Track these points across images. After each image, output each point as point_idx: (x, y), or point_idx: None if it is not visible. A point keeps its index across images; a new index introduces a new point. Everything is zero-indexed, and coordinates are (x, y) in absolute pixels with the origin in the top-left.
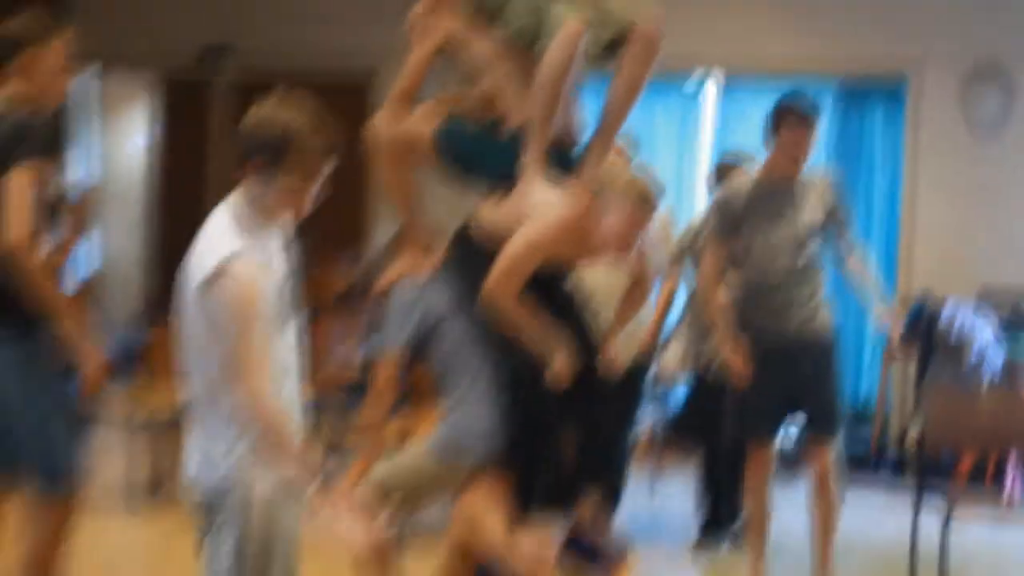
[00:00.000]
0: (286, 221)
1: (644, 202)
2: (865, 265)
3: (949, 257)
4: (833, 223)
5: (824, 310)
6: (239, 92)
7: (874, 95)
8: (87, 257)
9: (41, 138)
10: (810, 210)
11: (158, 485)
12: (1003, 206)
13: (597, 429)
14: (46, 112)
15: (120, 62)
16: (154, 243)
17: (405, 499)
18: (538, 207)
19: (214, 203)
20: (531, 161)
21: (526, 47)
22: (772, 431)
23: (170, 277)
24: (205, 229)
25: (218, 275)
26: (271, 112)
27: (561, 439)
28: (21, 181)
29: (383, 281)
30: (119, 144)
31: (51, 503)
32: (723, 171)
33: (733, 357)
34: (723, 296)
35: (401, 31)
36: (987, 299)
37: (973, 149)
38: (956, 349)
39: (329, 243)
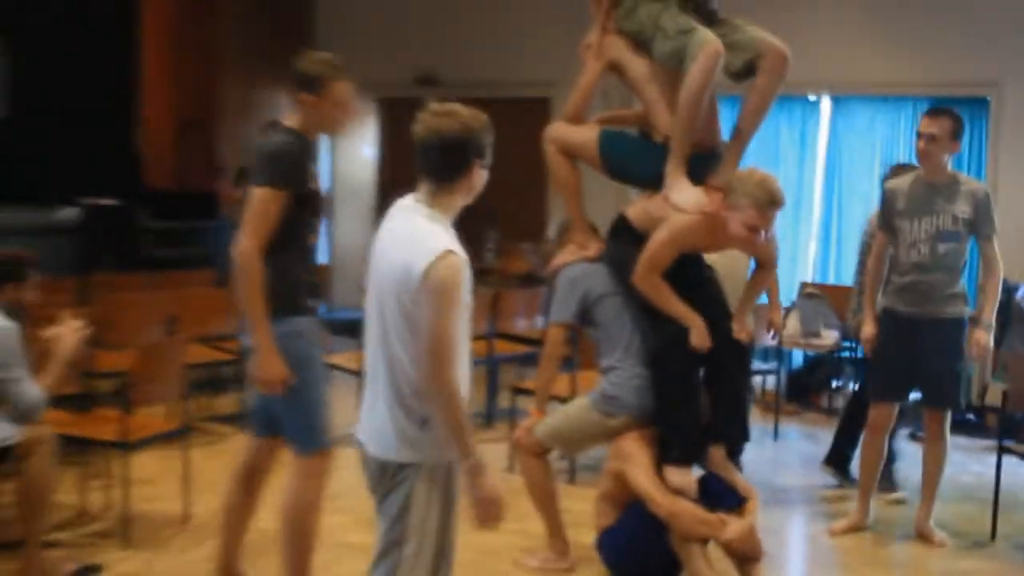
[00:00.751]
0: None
1: (772, 202)
2: (990, 270)
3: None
4: (977, 223)
5: (957, 298)
6: None
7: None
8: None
9: (294, 165)
10: (959, 208)
11: None
12: None
13: (730, 387)
14: (316, 141)
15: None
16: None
17: (568, 443)
18: (677, 206)
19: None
20: (674, 165)
21: (675, 67)
22: (893, 395)
23: None
24: (403, 224)
25: (440, 261)
26: (438, 121)
27: (698, 396)
28: (265, 197)
29: (553, 264)
30: (350, 154)
31: (305, 462)
32: (896, 170)
33: (867, 329)
34: (877, 276)
35: (572, 57)
36: None
37: None
38: None
39: (513, 234)
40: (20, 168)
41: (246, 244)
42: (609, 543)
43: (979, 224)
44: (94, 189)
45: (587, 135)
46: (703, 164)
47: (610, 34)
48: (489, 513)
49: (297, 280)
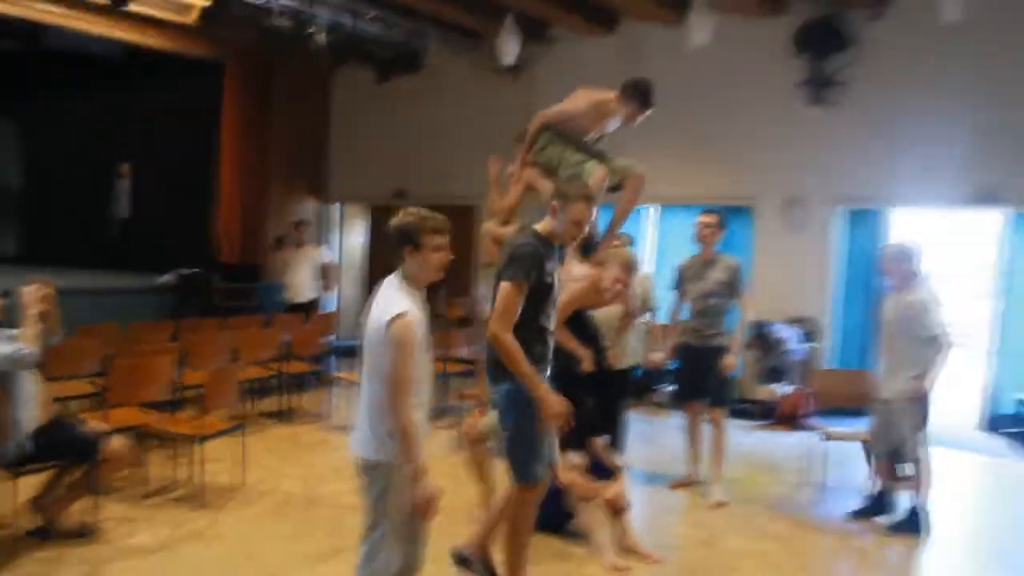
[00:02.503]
0: (425, 288)
1: (627, 267)
2: (743, 312)
3: (773, 296)
4: (733, 285)
5: (722, 335)
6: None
7: (738, 213)
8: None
9: (533, 262)
10: (720, 276)
11: None
12: (799, 268)
13: (606, 397)
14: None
15: (352, 198)
16: (365, 294)
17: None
18: (573, 278)
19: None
20: (572, 250)
21: None
22: (694, 397)
23: None
24: (382, 293)
25: (394, 321)
26: (403, 218)
27: (586, 402)
28: (507, 290)
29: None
30: (351, 240)
31: (512, 489)
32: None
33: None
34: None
35: (486, 178)
36: (791, 321)
37: (787, 239)
38: (777, 343)
39: (454, 292)
40: (139, 249)
41: (495, 328)
42: None
43: (734, 285)
44: (186, 262)
45: (511, 230)
46: (587, 248)
47: (527, 166)
48: (424, 509)
49: (531, 352)
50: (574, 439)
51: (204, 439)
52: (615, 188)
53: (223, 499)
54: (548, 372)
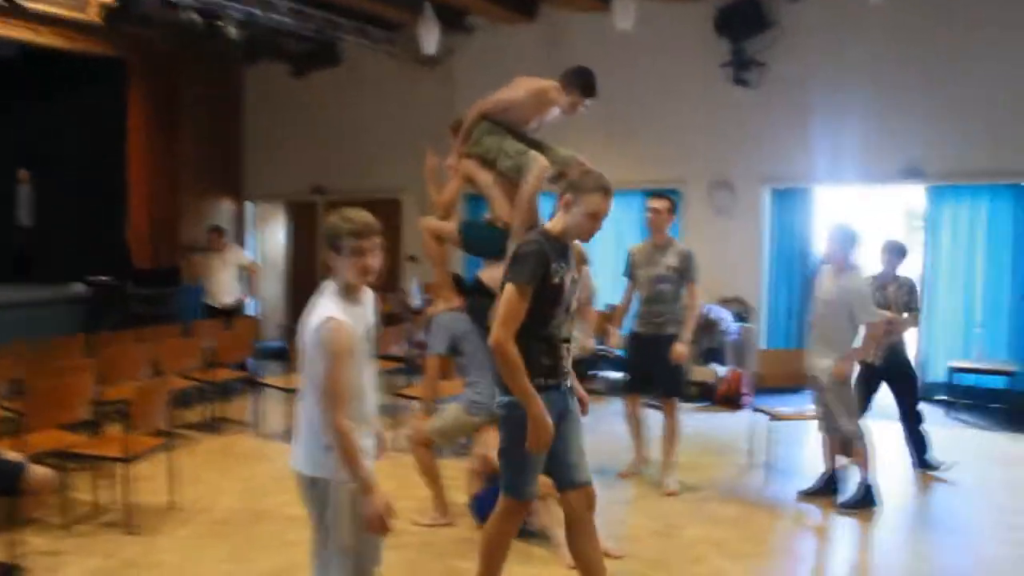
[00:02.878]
0: (366, 290)
1: (581, 261)
2: (690, 304)
3: (705, 279)
4: (684, 271)
5: (671, 323)
6: (330, 208)
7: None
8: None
9: (532, 264)
10: (671, 261)
11: None
12: (729, 249)
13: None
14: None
15: (269, 196)
16: (287, 294)
17: (446, 436)
18: None
19: (322, 275)
20: (514, 242)
21: (514, 177)
22: (639, 389)
23: (295, 314)
24: (316, 299)
25: (323, 326)
26: (332, 220)
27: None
28: (510, 293)
29: (429, 312)
30: (270, 237)
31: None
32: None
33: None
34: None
35: (411, 173)
36: (724, 302)
37: (716, 221)
38: (714, 324)
39: (379, 286)
40: (44, 258)
41: (497, 336)
42: (479, 504)
43: (684, 272)
44: (95, 270)
45: (451, 225)
46: None
47: (465, 157)
48: (375, 525)
49: (537, 362)
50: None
51: (132, 460)
52: (556, 178)
53: (157, 522)
54: (565, 385)
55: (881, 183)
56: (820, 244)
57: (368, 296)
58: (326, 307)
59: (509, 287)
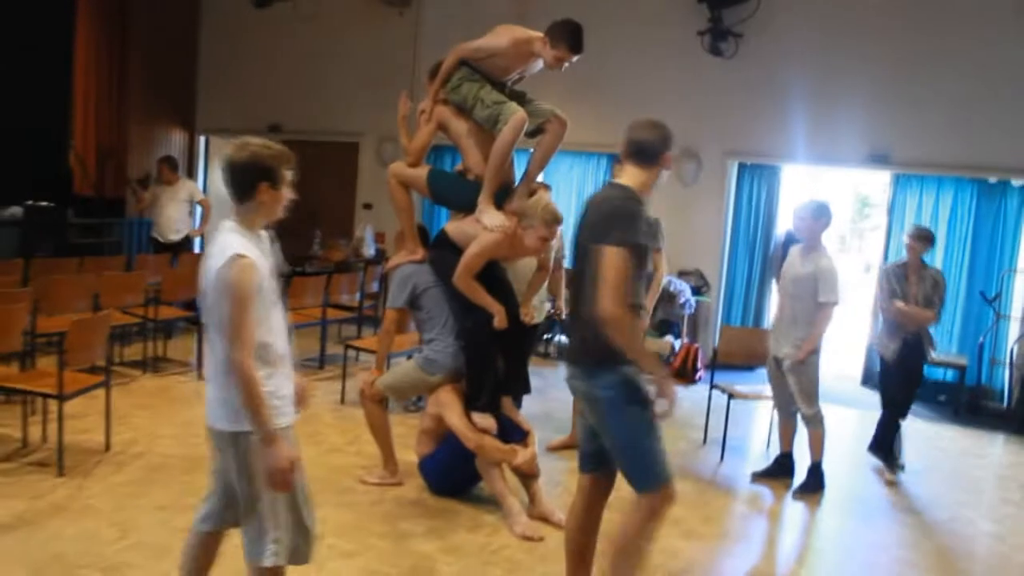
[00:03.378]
0: (267, 228)
1: (556, 220)
2: (656, 269)
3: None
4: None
5: None
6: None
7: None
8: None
9: (637, 225)
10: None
11: None
12: (691, 221)
13: (517, 354)
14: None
15: (222, 130)
16: None
17: (400, 393)
18: (486, 226)
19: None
20: (485, 197)
21: (489, 128)
22: None
23: None
24: (216, 238)
25: (228, 265)
26: (252, 151)
27: (497, 361)
28: (616, 257)
29: (390, 263)
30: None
31: (641, 499)
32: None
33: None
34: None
35: (373, 115)
36: (682, 274)
37: (681, 191)
38: (673, 296)
39: (332, 232)
40: None
41: (608, 306)
42: (429, 467)
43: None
44: (35, 195)
45: (419, 173)
46: (501, 196)
47: (439, 103)
48: (276, 479)
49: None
50: (485, 399)
51: (67, 397)
52: (534, 133)
53: (88, 464)
54: None
55: (847, 166)
56: (784, 222)
57: (266, 236)
58: (232, 244)
59: (614, 250)
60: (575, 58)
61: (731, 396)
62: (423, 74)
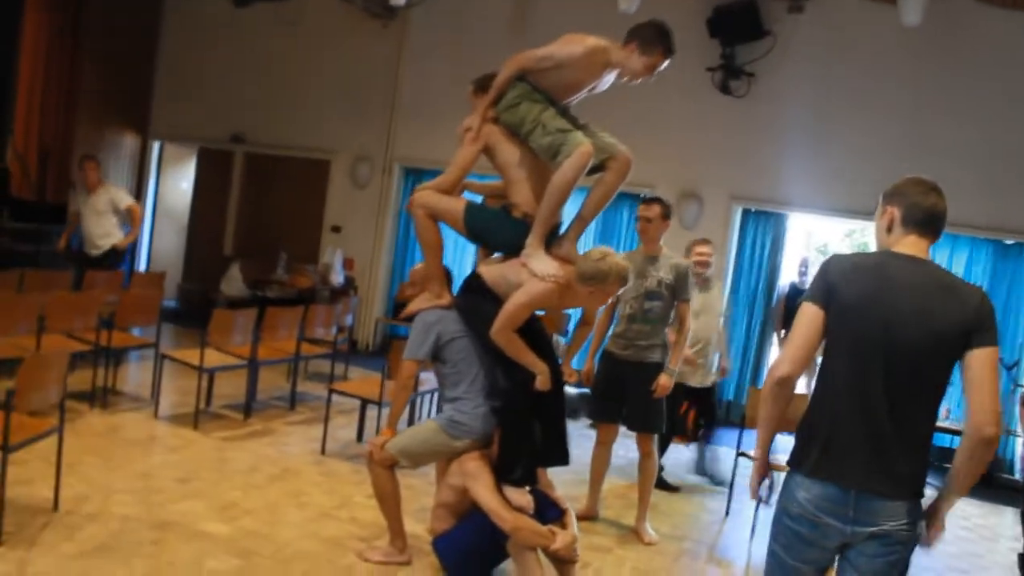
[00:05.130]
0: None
1: (624, 282)
2: (681, 327)
3: None
4: (676, 288)
5: (657, 348)
6: (248, 160)
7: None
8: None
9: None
10: (663, 275)
11: None
12: None
13: (557, 420)
14: None
15: (179, 137)
16: (188, 251)
17: (416, 458)
18: (534, 275)
19: (231, 227)
20: (536, 239)
21: (547, 159)
22: (609, 418)
23: (196, 273)
24: None
25: None
26: None
27: (535, 427)
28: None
29: (410, 308)
30: (172, 185)
31: None
32: None
33: (587, 366)
34: (603, 326)
35: (345, 132)
36: None
37: (680, 233)
38: None
39: (298, 257)
40: None
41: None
42: (447, 546)
43: (678, 289)
44: None
45: (455, 205)
46: (550, 239)
47: (489, 121)
48: None
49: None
50: (520, 472)
51: (12, 449)
52: (593, 170)
53: (33, 528)
54: None
55: (856, 218)
56: (788, 272)
57: None
58: None
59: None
60: (667, 62)
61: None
62: (405, 92)
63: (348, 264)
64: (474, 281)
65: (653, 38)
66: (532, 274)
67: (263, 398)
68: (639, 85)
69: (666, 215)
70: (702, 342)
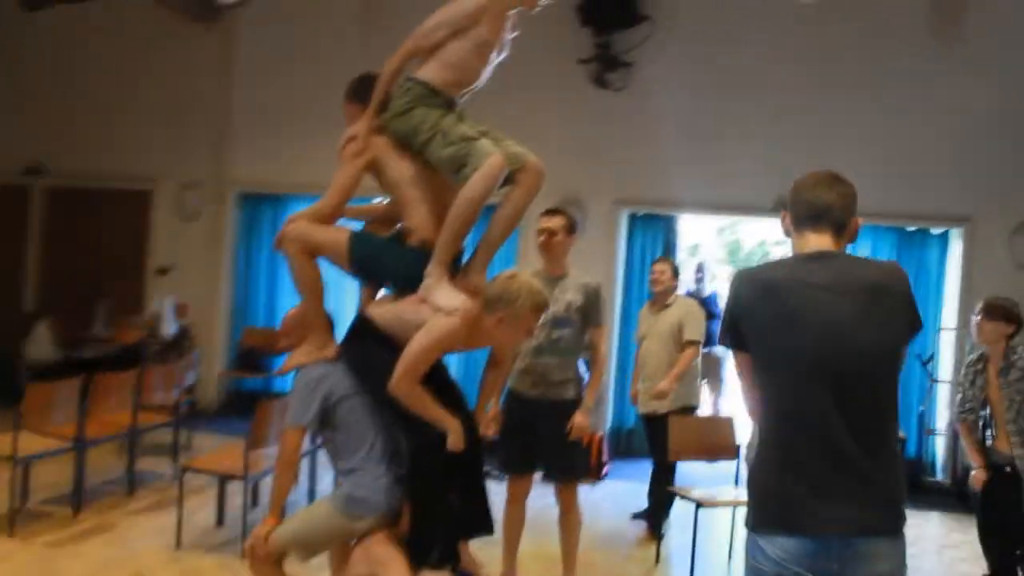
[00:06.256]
0: None
1: (542, 308)
2: (595, 356)
3: None
4: (588, 312)
5: (571, 382)
6: (50, 196)
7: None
8: None
9: None
10: (572, 297)
11: None
12: None
13: (475, 482)
14: None
15: None
16: None
17: (309, 548)
18: (439, 311)
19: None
20: (439, 269)
21: (449, 174)
22: (520, 469)
23: None
24: None
25: None
26: None
27: (451, 494)
28: None
29: (288, 364)
30: None
31: None
32: None
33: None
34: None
35: (169, 157)
36: None
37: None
38: None
39: (120, 307)
40: None
41: None
42: None
43: (590, 313)
44: None
45: (337, 236)
46: (456, 265)
47: (375, 132)
48: None
49: None
50: (439, 551)
51: None
52: (505, 182)
53: None
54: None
55: (751, 214)
56: (686, 280)
57: None
58: None
59: None
60: None
61: (699, 504)
62: (239, 105)
63: (181, 311)
64: (363, 325)
65: None
66: (436, 309)
67: (94, 484)
68: (502, 84)
69: (571, 228)
70: (648, 368)
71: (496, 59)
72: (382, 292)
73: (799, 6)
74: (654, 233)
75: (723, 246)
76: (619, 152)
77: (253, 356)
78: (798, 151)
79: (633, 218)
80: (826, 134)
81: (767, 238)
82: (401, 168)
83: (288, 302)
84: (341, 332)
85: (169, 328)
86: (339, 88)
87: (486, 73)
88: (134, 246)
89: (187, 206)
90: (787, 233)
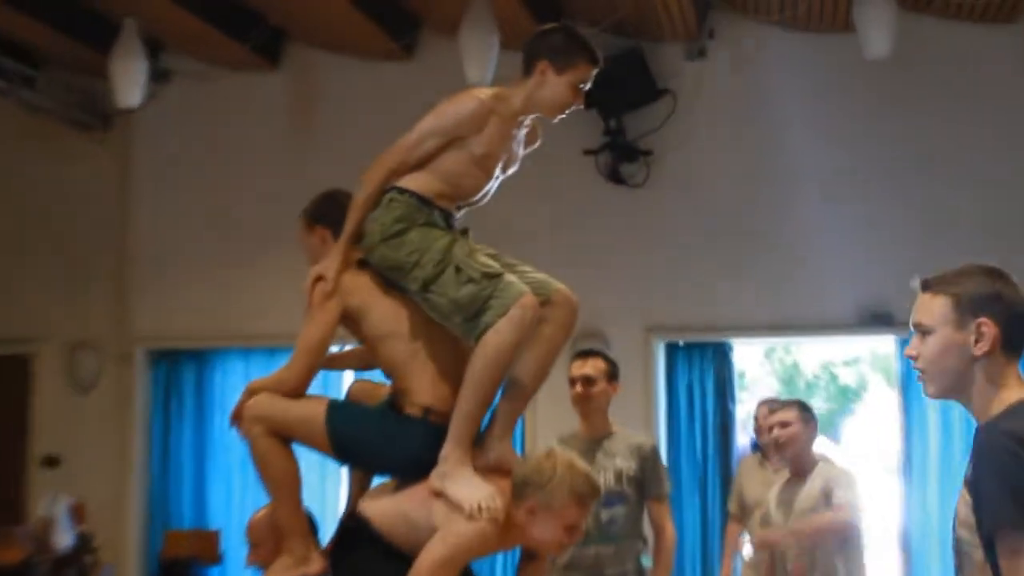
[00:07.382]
0: None
1: (595, 492)
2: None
3: None
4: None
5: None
6: None
7: None
8: None
9: None
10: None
11: None
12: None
13: None
14: None
15: None
16: None
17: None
18: (458, 509)
19: None
20: (459, 450)
21: (460, 322)
22: None
23: None
24: None
25: None
26: None
27: None
28: None
29: None
30: None
31: None
32: None
33: None
34: None
35: (55, 315)
36: None
37: None
38: None
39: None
40: None
41: None
42: None
43: (647, 483)
44: None
45: (311, 409)
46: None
47: (348, 268)
48: None
49: None
50: None
51: None
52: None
53: None
54: None
55: (830, 333)
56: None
57: None
58: None
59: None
60: (592, 74)
61: None
62: (142, 236)
63: (77, 514)
64: (356, 529)
65: (565, 43)
66: (454, 507)
67: None
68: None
69: (614, 373)
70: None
71: (503, 174)
72: (377, 479)
73: (863, 63)
74: (702, 367)
75: (772, 373)
76: (646, 265)
77: (179, 570)
78: (875, 258)
79: (672, 349)
80: (928, 220)
81: (832, 358)
82: (391, 313)
83: (221, 494)
84: (326, 538)
85: (64, 539)
86: (272, 205)
87: (491, 187)
88: (9, 430)
89: (80, 372)
90: (981, 354)
